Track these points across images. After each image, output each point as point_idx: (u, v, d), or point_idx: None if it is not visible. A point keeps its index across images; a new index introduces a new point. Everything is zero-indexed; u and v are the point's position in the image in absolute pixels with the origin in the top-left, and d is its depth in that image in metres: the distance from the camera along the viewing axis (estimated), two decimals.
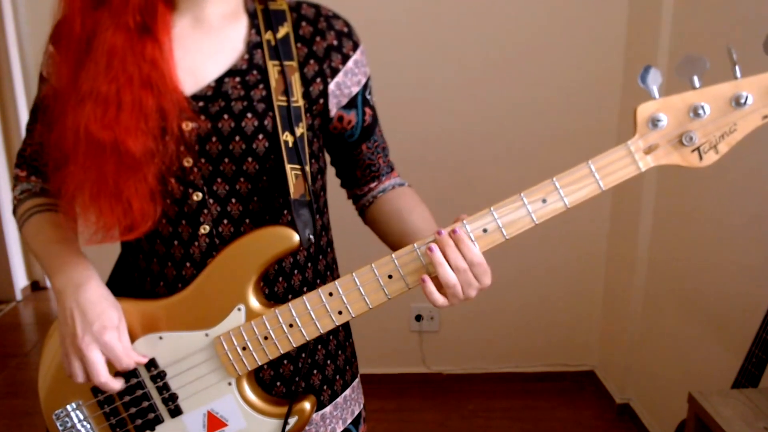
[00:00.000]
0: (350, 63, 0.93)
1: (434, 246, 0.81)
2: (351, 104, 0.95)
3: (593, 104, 2.44)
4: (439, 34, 2.38)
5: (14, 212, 0.98)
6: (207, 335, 0.88)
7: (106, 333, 0.84)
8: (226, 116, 0.86)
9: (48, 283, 3.89)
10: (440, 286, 0.82)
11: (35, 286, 3.98)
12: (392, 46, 2.35)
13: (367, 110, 0.97)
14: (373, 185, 1.02)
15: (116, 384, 0.87)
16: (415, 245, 0.82)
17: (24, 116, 3.73)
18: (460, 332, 2.70)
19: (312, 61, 0.91)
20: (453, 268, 0.80)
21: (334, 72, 0.92)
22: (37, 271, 3.95)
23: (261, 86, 0.88)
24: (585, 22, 2.37)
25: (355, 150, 0.99)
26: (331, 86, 0.92)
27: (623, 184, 0.80)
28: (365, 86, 0.96)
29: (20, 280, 3.85)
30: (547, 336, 2.71)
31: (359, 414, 1.08)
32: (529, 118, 2.46)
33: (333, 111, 0.94)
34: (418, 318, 2.68)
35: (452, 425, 2.50)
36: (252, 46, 0.90)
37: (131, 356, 0.87)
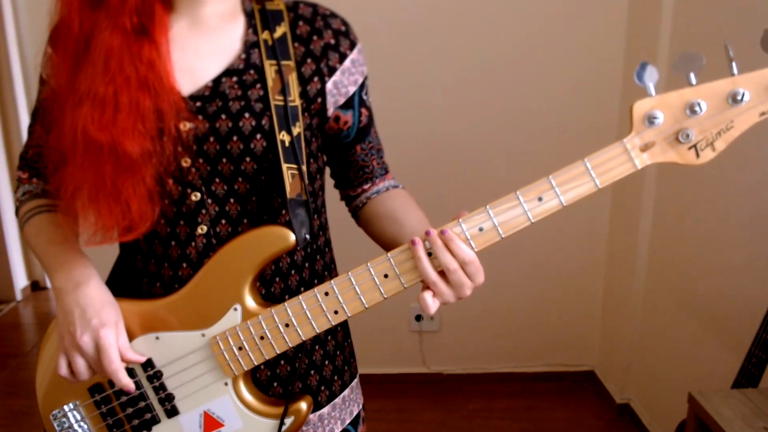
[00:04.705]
0: (347, 62, 0.93)
1: (417, 239, 0.80)
2: (348, 104, 0.94)
3: (593, 103, 2.44)
4: (439, 33, 2.38)
5: (16, 213, 0.98)
6: (203, 335, 0.88)
7: (105, 331, 0.84)
8: (223, 116, 0.86)
9: (48, 283, 3.89)
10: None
11: (35, 286, 3.98)
12: (391, 45, 2.35)
13: (363, 111, 0.97)
14: (366, 187, 1.02)
15: (126, 376, 0.86)
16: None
17: (24, 118, 3.73)
18: (460, 332, 2.70)
19: (309, 60, 0.90)
20: (444, 269, 0.80)
21: (332, 71, 0.91)
22: (37, 271, 3.95)
23: (258, 86, 0.88)
24: (585, 21, 2.37)
25: (349, 151, 0.99)
26: (329, 85, 0.92)
27: (623, 185, 0.79)
28: (362, 86, 0.96)
29: (20, 280, 3.85)
30: (547, 336, 2.70)
31: (358, 414, 1.07)
32: (529, 117, 2.46)
33: (330, 110, 0.93)
34: (418, 318, 2.67)
35: (452, 425, 2.50)
36: (249, 46, 0.89)
37: (129, 355, 0.87)
